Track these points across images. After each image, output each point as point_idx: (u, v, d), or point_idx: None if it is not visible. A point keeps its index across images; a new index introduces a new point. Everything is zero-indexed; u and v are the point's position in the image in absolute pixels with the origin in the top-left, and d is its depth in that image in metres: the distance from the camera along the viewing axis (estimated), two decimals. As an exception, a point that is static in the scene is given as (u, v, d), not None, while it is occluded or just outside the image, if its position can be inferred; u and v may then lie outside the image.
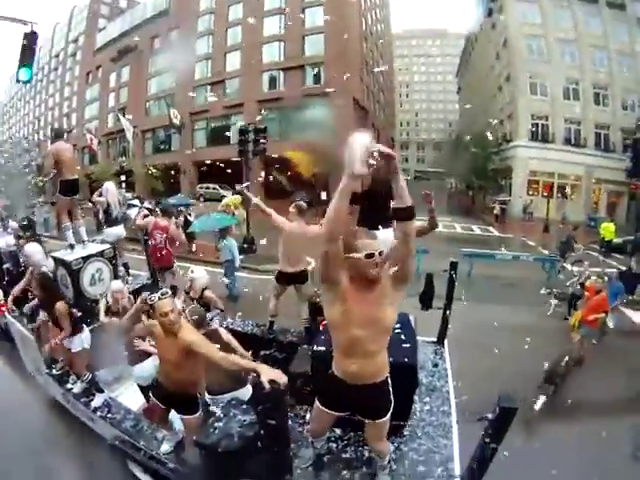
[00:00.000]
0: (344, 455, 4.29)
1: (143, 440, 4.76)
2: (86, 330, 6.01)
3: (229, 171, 28.55)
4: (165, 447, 4.51)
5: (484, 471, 3.20)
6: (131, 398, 5.97)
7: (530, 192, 35.35)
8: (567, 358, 7.98)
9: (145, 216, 9.29)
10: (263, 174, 38.41)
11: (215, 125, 45.10)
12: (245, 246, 17.12)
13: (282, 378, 3.00)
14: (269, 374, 3.01)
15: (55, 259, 6.91)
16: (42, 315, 6.38)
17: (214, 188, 39.51)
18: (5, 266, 9.48)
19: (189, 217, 17.31)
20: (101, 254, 7.22)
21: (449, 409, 4.95)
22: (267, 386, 2.91)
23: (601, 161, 34.39)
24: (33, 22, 9.55)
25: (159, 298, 3.96)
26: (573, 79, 35.42)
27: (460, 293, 10.18)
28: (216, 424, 3.87)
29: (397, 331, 4.54)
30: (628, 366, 8.52)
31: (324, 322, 5.51)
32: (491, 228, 30.30)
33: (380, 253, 2.98)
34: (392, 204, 2.88)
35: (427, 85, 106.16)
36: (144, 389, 5.72)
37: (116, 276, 7.55)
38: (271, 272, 7.50)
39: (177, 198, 22.82)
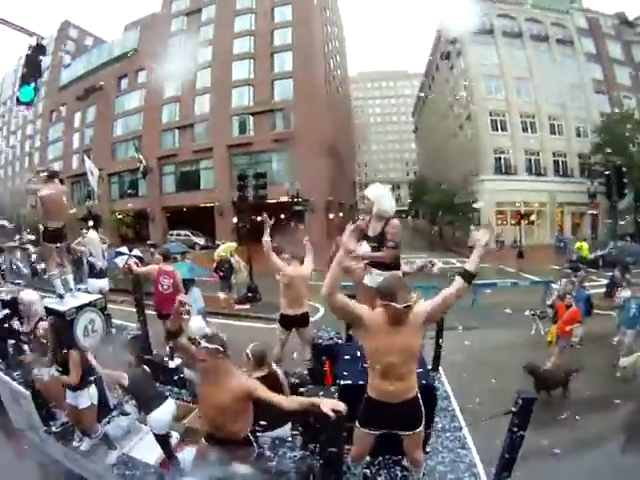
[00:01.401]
0: (380, 479, 4.53)
1: None
2: (93, 385, 5.62)
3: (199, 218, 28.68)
4: None
5: (515, 458, 3.68)
6: (146, 452, 5.47)
7: (498, 222, 36.48)
8: (560, 371, 8.61)
9: (135, 264, 8.92)
10: (235, 219, 38.99)
11: (184, 170, 44.84)
12: (249, 295, 16.66)
13: (341, 405, 3.20)
14: (329, 404, 3.19)
15: (47, 309, 6.39)
16: (52, 370, 5.77)
17: (186, 235, 38.44)
18: None
19: None
20: (93, 304, 6.63)
21: (459, 424, 5.51)
22: (332, 415, 3.10)
23: (561, 186, 36.79)
24: (39, 35, 8.25)
25: (201, 345, 3.87)
26: (530, 113, 37.95)
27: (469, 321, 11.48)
28: (269, 464, 3.97)
29: None
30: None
31: (328, 362, 6.08)
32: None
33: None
34: (465, 266, 3.71)
35: (383, 126, 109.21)
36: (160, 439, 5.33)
37: (109, 327, 7.14)
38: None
39: (171, 246, 22.06)
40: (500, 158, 37.67)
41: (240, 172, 18.42)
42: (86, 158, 33.57)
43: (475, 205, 34.38)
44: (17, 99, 8.33)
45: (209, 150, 41.96)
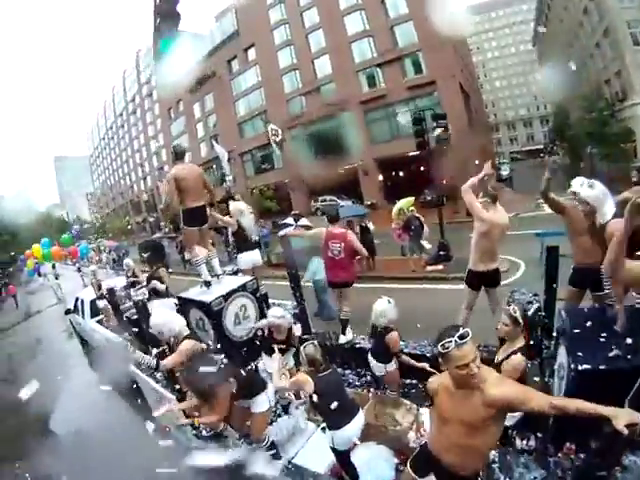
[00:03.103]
0: None
1: None
2: (270, 387, 5.14)
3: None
4: None
5: None
6: (314, 458, 4.96)
7: None
8: None
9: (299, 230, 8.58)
10: (381, 177, 39.35)
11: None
12: (441, 253, 14.98)
13: (638, 417, 2.49)
14: (626, 417, 2.48)
15: (187, 300, 6.41)
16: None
17: (331, 200, 38.17)
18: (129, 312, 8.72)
19: (370, 226, 15.93)
20: (243, 288, 6.52)
21: None
22: (625, 431, 2.43)
23: None
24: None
25: (456, 344, 2.83)
26: None
27: None
28: None
29: None
30: None
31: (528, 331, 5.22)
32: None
33: None
34: None
35: (502, 60, 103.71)
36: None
37: (262, 311, 6.75)
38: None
39: (347, 208, 21.55)
40: (649, 77, 33.75)
41: (415, 115, 16.95)
42: (214, 143, 35.03)
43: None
44: (157, 52, 7.76)
45: (341, 110, 41.77)
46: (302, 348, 4.73)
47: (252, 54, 50.58)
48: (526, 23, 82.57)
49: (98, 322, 11.07)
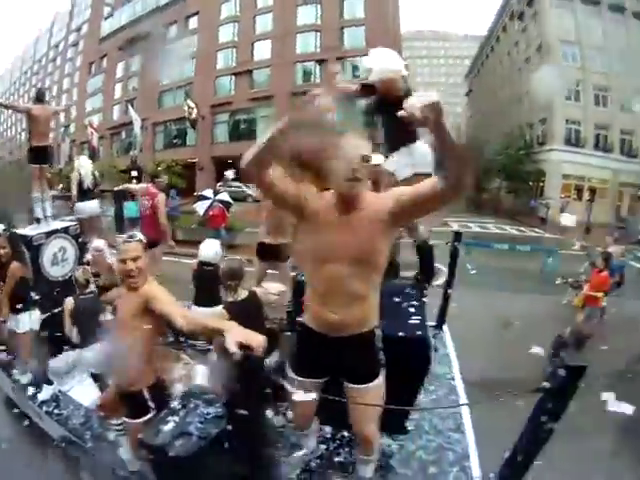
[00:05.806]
0: (337, 458, 3.72)
1: (92, 442, 4.33)
2: (36, 311, 5.50)
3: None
4: (125, 455, 3.84)
5: (533, 459, 2.59)
6: (85, 391, 5.11)
7: (562, 195, 36.01)
8: (569, 330, 8.46)
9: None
10: None
11: (239, 118, 44.49)
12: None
13: (258, 340, 2.24)
14: (239, 335, 2.25)
15: (13, 235, 6.28)
16: None
17: (238, 186, 37.56)
18: None
19: None
20: (65, 231, 6.70)
21: (457, 398, 4.53)
22: (235, 351, 2.14)
23: (625, 166, 36.41)
24: None
25: (125, 241, 3.22)
26: (602, 86, 37.32)
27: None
28: (169, 418, 2.96)
29: (407, 303, 4.06)
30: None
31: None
32: (538, 229, 29.74)
33: (366, 160, 2.46)
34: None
35: (430, 87, 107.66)
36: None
37: (81, 258, 6.82)
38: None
39: None
40: (571, 129, 37.18)
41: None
42: (130, 107, 33.06)
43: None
44: None
45: (268, 98, 41.74)
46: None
47: (193, 23, 48.30)
48: (461, 59, 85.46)
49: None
